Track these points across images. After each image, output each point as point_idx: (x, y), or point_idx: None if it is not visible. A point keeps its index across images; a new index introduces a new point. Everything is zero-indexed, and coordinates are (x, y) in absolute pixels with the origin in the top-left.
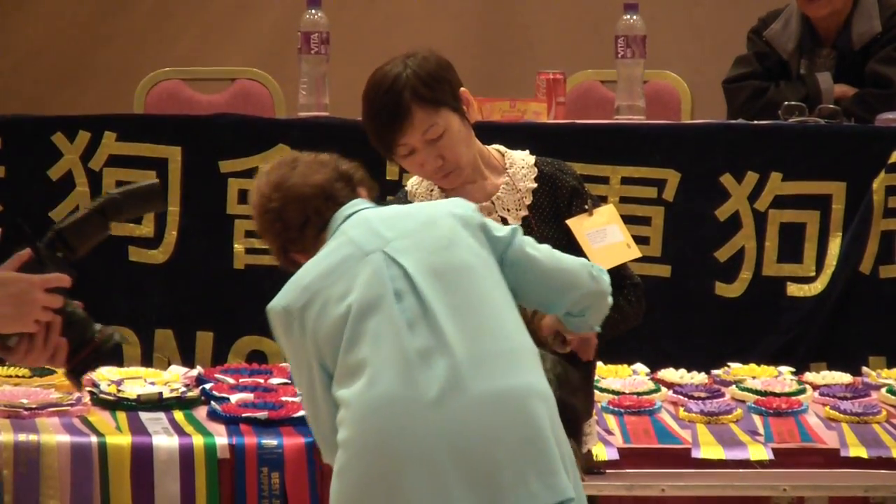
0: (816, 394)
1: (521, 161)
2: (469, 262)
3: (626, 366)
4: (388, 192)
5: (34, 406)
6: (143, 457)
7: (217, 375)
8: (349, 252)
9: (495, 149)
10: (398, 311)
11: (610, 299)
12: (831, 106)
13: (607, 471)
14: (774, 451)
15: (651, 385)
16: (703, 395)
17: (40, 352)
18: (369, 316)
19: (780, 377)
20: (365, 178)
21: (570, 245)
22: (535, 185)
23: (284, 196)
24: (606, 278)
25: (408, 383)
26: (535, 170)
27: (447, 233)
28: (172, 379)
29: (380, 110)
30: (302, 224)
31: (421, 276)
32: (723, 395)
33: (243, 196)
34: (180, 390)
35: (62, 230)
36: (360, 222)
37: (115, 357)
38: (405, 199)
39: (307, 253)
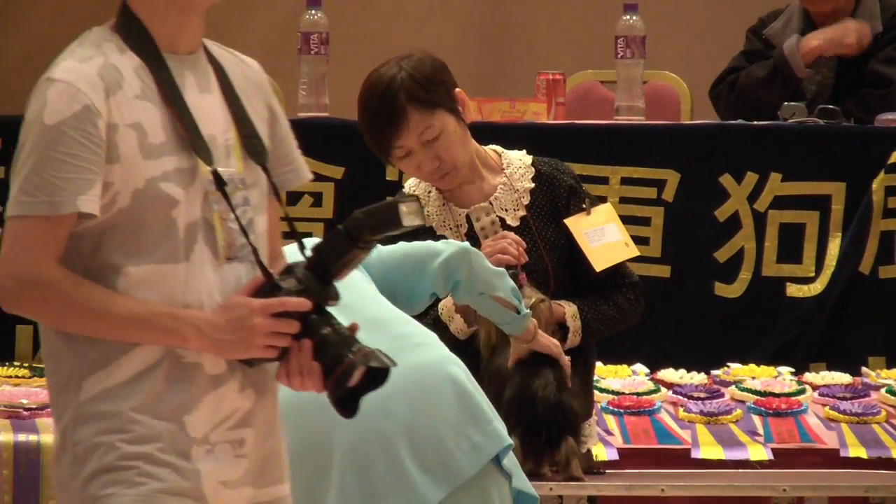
0: (816, 394)
1: (518, 161)
2: None
3: (625, 366)
4: (388, 192)
5: (34, 406)
6: None
7: None
8: None
9: (492, 149)
10: None
11: (475, 254)
12: (831, 106)
13: (607, 471)
14: (774, 451)
15: (651, 385)
16: (702, 395)
17: (295, 377)
18: None
19: (779, 377)
20: None
21: (568, 244)
22: (532, 184)
23: None
24: (456, 242)
25: None
26: (533, 170)
27: None
28: None
29: (375, 113)
30: None
31: None
32: (722, 395)
33: None
34: None
35: (314, 250)
36: None
37: (377, 380)
38: None
39: None
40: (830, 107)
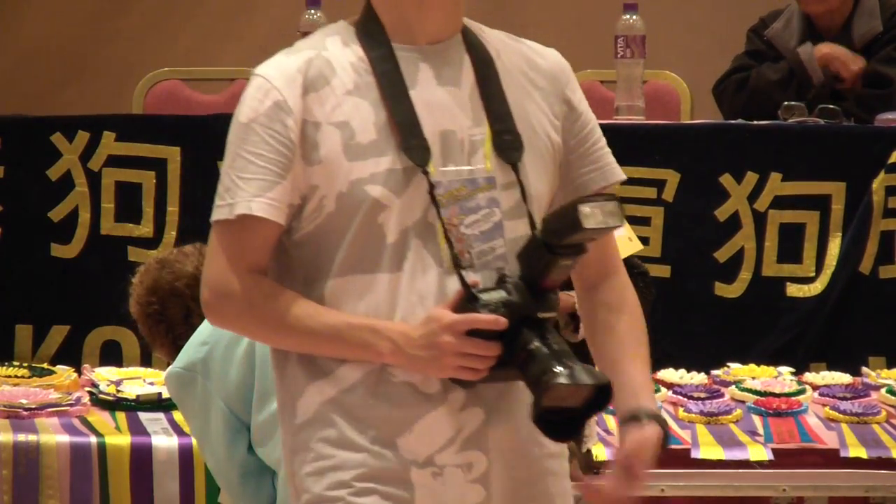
0: (816, 394)
1: None
2: None
3: None
4: None
5: (34, 406)
6: (142, 457)
7: None
8: None
9: None
10: None
11: None
12: (831, 106)
13: (607, 471)
14: (774, 451)
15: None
16: (702, 395)
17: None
18: None
19: (779, 377)
20: None
21: None
22: None
23: (162, 297)
24: None
25: None
26: None
27: None
28: None
29: None
30: (185, 316)
31: None
32: (722, 395)
33: None
34: None
35: (518, 257)
36: None
37: (599, 400)
38: None
39: None
40: (830, 106)
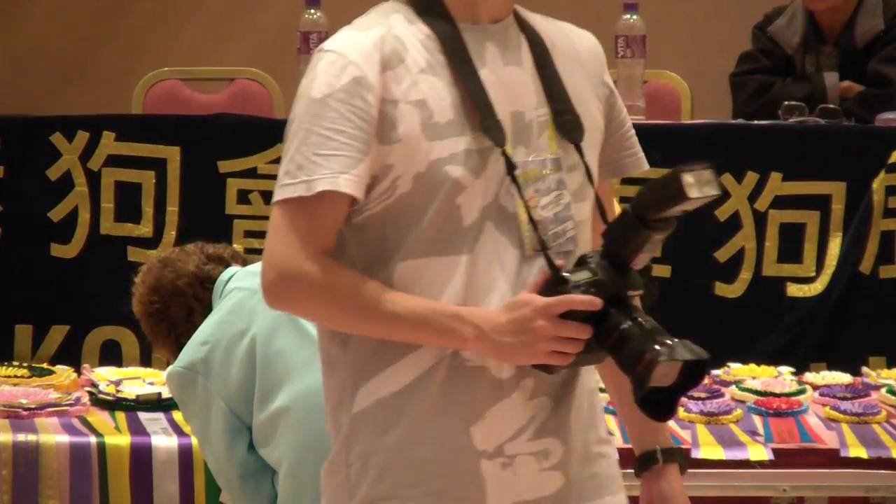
0: (816, 394)
1: None
2: None
3: None
4: None
5: (33, 406)
6: (142, 457)
7: None
8: (240, 297)
9: None
10: (301, 321)
11: None
12: (831, 106)
13: None
14: (774, 451)
15: None
16: (702, 395)
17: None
18: (274, 337)
19: (779, 377)
20: (236, 254)
21: None
22: None
23: (164, 296)
24: None
25: None
26: None
27: None
28: None
29: None
30: (187, 315)
31: None
32: (722, 395)
33: (242, 197)
34: None
35: (604, 235)
36: (244, 275)
37: (695, 374)
38: None
39: None
40: (831, 106)
